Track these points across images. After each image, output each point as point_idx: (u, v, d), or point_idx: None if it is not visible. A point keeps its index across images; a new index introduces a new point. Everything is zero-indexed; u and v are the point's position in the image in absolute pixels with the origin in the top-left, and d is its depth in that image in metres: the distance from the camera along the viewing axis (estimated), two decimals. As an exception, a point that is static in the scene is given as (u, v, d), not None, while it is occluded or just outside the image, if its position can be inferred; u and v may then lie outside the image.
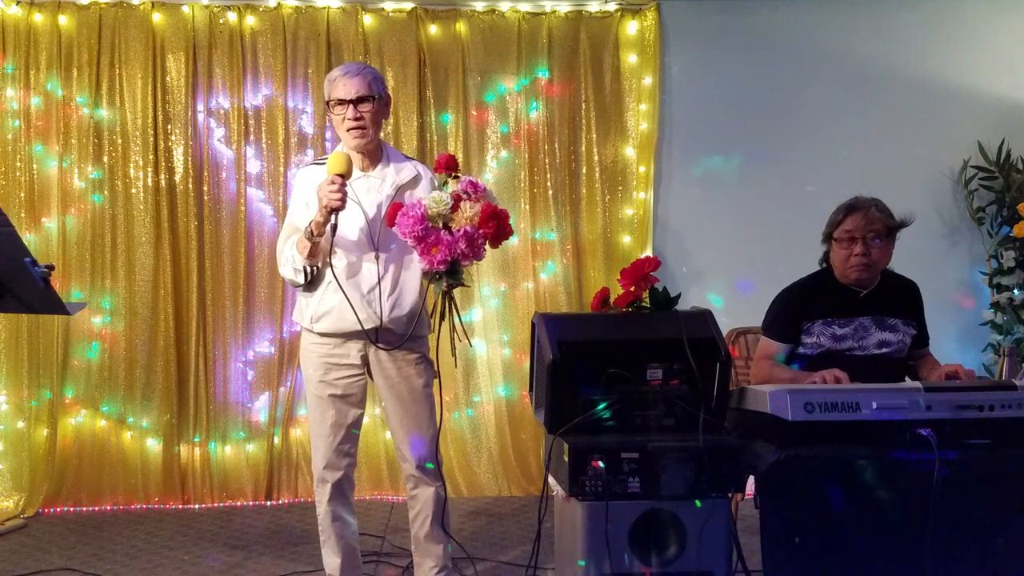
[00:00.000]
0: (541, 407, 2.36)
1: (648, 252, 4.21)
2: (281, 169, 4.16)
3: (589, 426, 2.22)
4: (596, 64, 4.26)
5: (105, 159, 4.10)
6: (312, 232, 2.56)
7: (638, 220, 4.30)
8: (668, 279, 2.51)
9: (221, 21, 4.13)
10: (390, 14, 4.21)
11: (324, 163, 2.72)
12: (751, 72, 4.33)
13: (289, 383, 4.18)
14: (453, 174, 2.51)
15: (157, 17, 4.10)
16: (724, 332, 2.42)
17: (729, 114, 4.33)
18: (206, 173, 4.15)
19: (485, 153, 4.28)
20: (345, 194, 2.51)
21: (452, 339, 2.54)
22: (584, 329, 2.38)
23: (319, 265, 2.66)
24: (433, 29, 4.21)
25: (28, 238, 4.00)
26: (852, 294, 2.78)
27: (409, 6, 4.19)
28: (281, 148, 4.16)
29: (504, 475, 4.28)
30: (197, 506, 4.11)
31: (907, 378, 2.79)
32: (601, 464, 2.12)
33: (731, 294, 4.27)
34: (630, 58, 4.29)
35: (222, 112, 4.16)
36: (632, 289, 2.40)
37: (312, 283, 2.69)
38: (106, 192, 4.10)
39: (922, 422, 2.12)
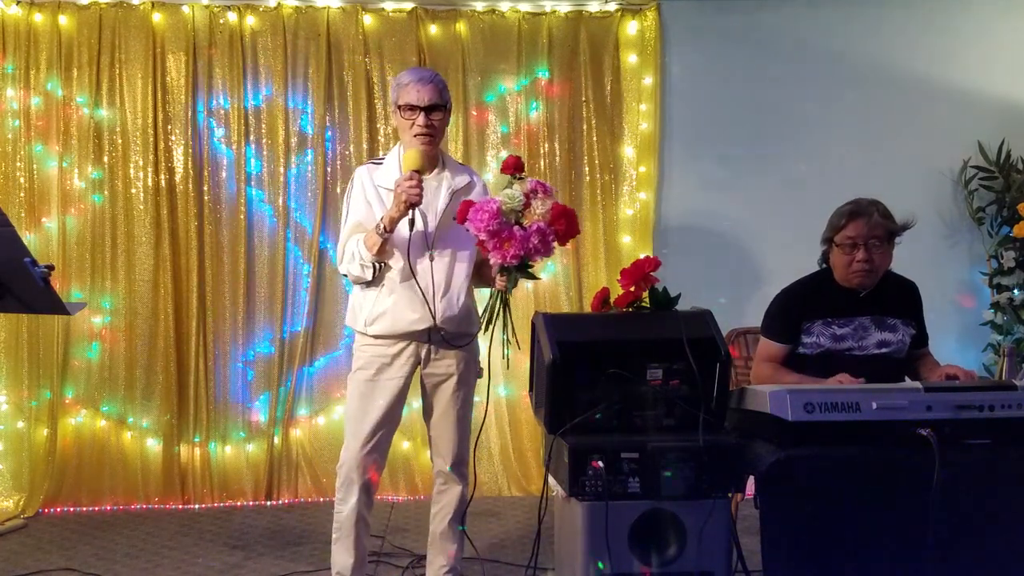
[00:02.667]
0: (541, 407, 2.36)
1: (648, 252, 4.21)
2: (281, 169, 4.15)
3: (589, 426, 2.23)
4: (596, 64, 4.26)
5: (105, 159, 4.10)
6: (384, 228, 2.60)
7: (638, 220, 4.30)
8: (668, 279, 2.52)
9: (221, 21, 4.12)
10: (390, 14, 4.21)
11: (382, 162, 2.82)
12: (751, 72, 4.33)
13: (289, 383, 4.18)
14: (519, 175, 2.54)
15: (157, 17, 4.09)
16: (724, 332, 2.42)
17: (729, 114, 4.33)
18: (206, 173, 4.15)
19: (485, 153, 4.27)
20: (422, 189, 2.57)
21: (504, 341, 2.57)
22: (584, 329, 2.39)
23: (385, 262, 2.70)
24: (433, 29, 4.21)
25: (28, 238, 3.99)
26: (852, 294, 2.78)
27: (409, 6, 4.19)
28: (281, 148, 4.16)
29: (504, 475, 4.28)
30: (197, 506, 4.11)
31: (907, 378, 2.79)
32: (601, 464, 2.12)
33: (731, 294, 4.26)
34: (630, 58, 4.29)
35: (222, 112, 4.16)
36: (632, 289, 2.41)
37: (373, 280, 2.73)
38: (106, 192, 4.10)
39: (922, 422, 2.12)
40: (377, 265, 2.70)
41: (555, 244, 2.49)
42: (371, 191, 2.75)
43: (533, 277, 2.57)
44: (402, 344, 2.76)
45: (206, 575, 3.32)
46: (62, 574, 3.32)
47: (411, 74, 2.75)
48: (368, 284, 2.75)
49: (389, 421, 2.80)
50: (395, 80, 2.80)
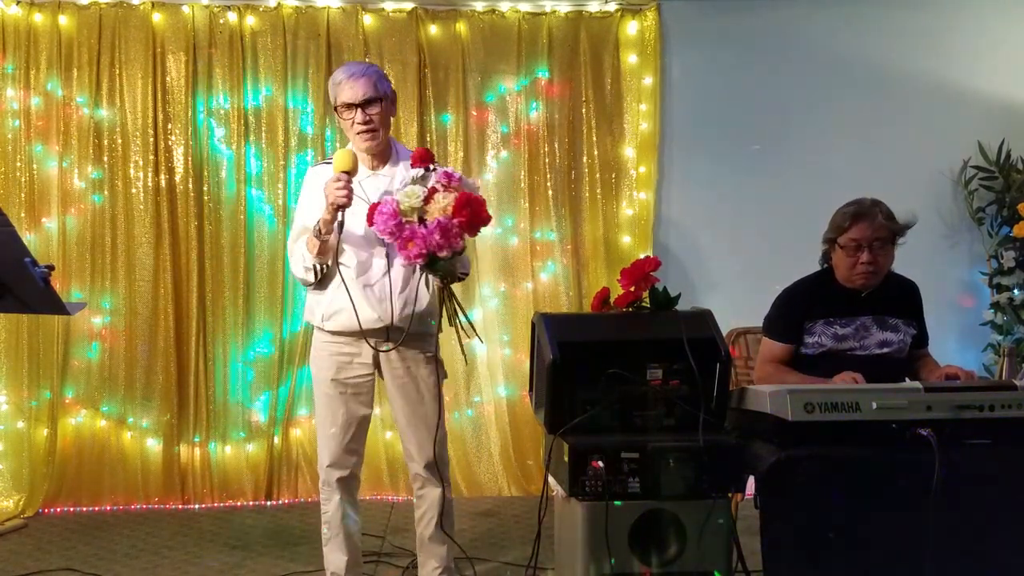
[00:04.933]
0: (541, 407, 2.36)
1: (648, 252, 4.21)
2: (281, 169, 4.15)
3: (589, 426, 2.23)
4: (596, 64, 4.26)
5: (105, 159, 4.10)
6: (320, 230, 2.57)
7: (638, 220, 4.30)
8: (668, 279, 2.53)
9: (221, 21, 4.12)
10: (390, 14, 4.21)
11: (332, 162, 2.74)
12: (751, 72, 4.32)
13: (289, 383, 4.18)
14: (431, 167, 2.51)
15: (157, 17, 4.09)
16: (724, 332, 2.42)
17: (729, 114, 4.33)
18: (206, 173, 4.15)
19: (485, 153, 4.27)
20: (351, 191, 2.52)
21: (459, 337, 2.57)
22: (584, 329, 2.39)
23: (329, 263, 2.66)
24: (433, 29, 4.21)
25: (28, 238, 3.99)
26: (853, 294, 2.78)
27: (409, 6, 4.19)
28: (281, 148, 4.16)
29: (504, 475, 4.28)
30: (197, 506, 4.11)
31: (907, 378, 2.79)
32: (601, 464, 2.12)
33: (731, 294, 4.26)
34: (630, 58, 4.29)
35: (222, 112, 4.16)
36: (632, 289, 2.41)
37: (322, 281, 2.69)
38: (106, 192, 4.10)
39: (922, 422, 2.12)
40: (318, 267, 2.65)
41: (463, 235, 2.43)
42: (318, 191, 2.67)
43: (448, 274, 2.50)
44: (361, 341, 2.71)
45: (206, 575, 3.32)
46: (62, 574, 3.32)
47: (344, 71, 2.68)
48: (316, 286, 2.70)
49: (359, 419, 2.78)
50: (330, 80, 2.73)
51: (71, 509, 4.06)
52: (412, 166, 2.55)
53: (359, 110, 2.63)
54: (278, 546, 3.60)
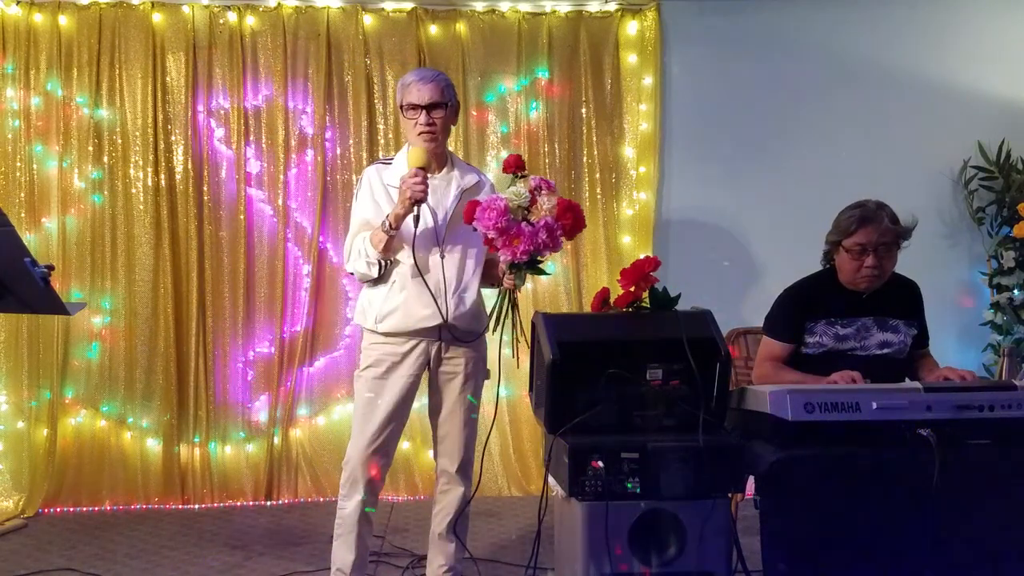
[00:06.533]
0: (541, 407, 2.37)
1: (648, 252, 4.21)
2: (281, 169, 4.15)
3: (589, 426, 2.23)
4: (596, 64, 4.26)
5: (105, 159, 4.10)
6: (390, 224, 2.63)
7: (638, 220, 4.30)
8: (668, 279, 2.54)
9: (221, 21, 4.12)
10: (390, 14, 4.21)
11: (390, 163, 2.84)
12: (751, 72, 4.32)
13: (289, 383, 4.18)
14: (521, 173, 2.59)
15: (157, 17, 4.09)
16: (724, 332, 2.42)
17: (729, 114, 4.33)
18: (206, 173, 4.15)
19: (485, 153, 4.27)
20: (427, 186, 2.59)
21: (513, 340, 2.60)
22: (584, 329, 2.39)
23: (392, 259, 2.73)
24: (433, 29, 4.21)
25: (28, 238, 3.99)
26: (854, 294, 2.78)
27: (409, 6, 4.19)
28: (281, 148, 4.16)
29: (504, 475, 4.29)
30: (197, 506, 4.10)
31: (907, 378, 2.79)
32: (601, 464, 2.12)
33: (731, 294, 4.26)
34: (630, 58, 4.29)
35: (222, 112, 4.16)
36: (632, 289, 2.41)
37: (379, 279, 2.75)
38: (106, 192, 4.10)
39: (922, 422, 2.12)
40: (383, 262, 2.72)
41: (562, 239, 2.53)
42: (379, 190, 2.77)
43: (543, 272, 2.61)
44: (413, 342, 2.77)
45: (206, 575, 3.32)
46: (62, 574, 3.32)
47: (414, 74, 2.78)
48: (375, 282, 2.77)
49: (397, 420, 2.81)
50: (400, 81, 2.83)
51: (71, 509, 4.06)
52: (504, 171, 2.63)
53: (424, 112, 2.71)
54: (278, 546, 3.60)
